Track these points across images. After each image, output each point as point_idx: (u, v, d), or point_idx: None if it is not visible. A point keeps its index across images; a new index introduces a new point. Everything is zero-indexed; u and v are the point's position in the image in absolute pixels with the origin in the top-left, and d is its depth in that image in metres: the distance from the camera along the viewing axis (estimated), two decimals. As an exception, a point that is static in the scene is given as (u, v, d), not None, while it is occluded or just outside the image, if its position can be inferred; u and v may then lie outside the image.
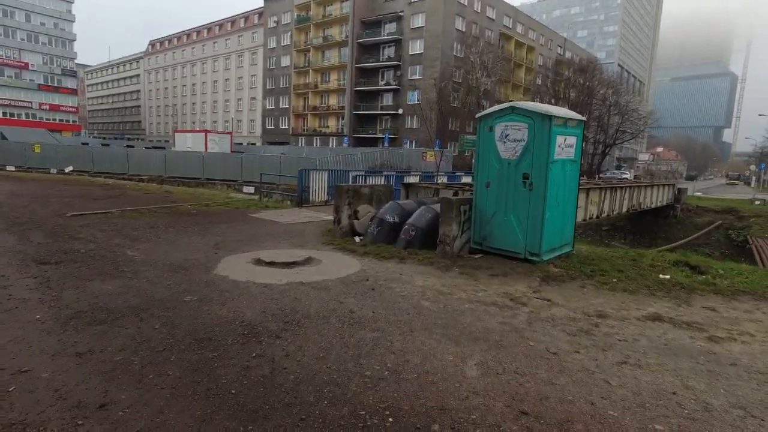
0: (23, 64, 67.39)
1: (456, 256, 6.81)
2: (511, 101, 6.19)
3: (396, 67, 52.31)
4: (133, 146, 42.77)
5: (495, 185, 6.78)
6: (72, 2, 72.65)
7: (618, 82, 67.99)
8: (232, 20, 69.68)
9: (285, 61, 60.68)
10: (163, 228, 8.34)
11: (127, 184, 17.06)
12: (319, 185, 12.87)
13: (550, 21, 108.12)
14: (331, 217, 8.94)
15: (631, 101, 62.98)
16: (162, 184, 27.02)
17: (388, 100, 53.64)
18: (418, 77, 50.57)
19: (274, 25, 61.66)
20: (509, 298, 4.99)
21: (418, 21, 50.02)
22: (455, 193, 9.33)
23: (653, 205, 19.72)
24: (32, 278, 4.78)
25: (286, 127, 61.20)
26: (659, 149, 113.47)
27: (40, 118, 68.06)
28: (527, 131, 6.34)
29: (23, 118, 66.49)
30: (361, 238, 8.17)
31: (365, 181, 13.40)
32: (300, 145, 55.31)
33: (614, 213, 15.24)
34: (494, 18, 55.81)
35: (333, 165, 24.54)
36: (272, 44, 62.17)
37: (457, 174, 20.00)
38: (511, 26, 59.76)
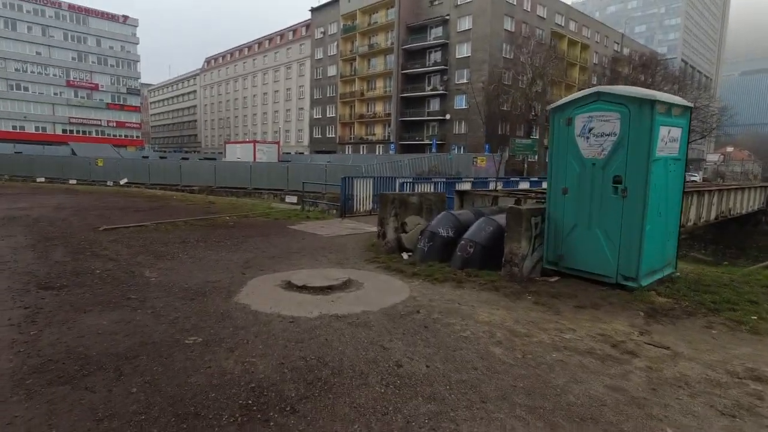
0: (94, 86, 72.48)
1: (526, 279, 5.54)
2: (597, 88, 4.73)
3: (443, 72, 51.09)
4: (187, 158, 44.29)
5: (575, 192, 5.46)
6: (137, 26, 77.52)
7: (683, 78, 62.91)
8: (281, 34, 71.42)
9: (331, 71, 61.14)
10: (194, 243, 7.66)
11: (174, 195, 17.03)
12: (363, 194, 11.93)
13: (605, 17, 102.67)
14: (376, 230, 7.91)
15: (700, 97, 57.88)
16: (209, 194, 27.37)
17: (434, 105, 52.47)
18: (465, 81, 49.02)
19: (321, 36, 62.41)
20: (610, 344, 3.69)
21: (465, 24, 48.65)
22: (517, 202, 8.03)
23: (744, 211, 17.18)
24: (23, 308, 4.08)
25: (333, 135, 61.49)
26: (729, 149, 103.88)
27: (108, 135, 72.75)
28: (619, 123, 4.99)
29: (93, 135, 71.32)
30: (410, 254, 7.07)
31: (413, 189, 12.31)
32: (347, 153, 55.23)
33: (701, 221, 13.16)
34: (545, 17, 53.35)
35: (379, 172, 23.68)
36: (319, 55, 62.92)
37: (512, 180, 18.48)
38: (563, 24, 56.94)
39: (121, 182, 22.87)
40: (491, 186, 14.60)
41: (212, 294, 4.81)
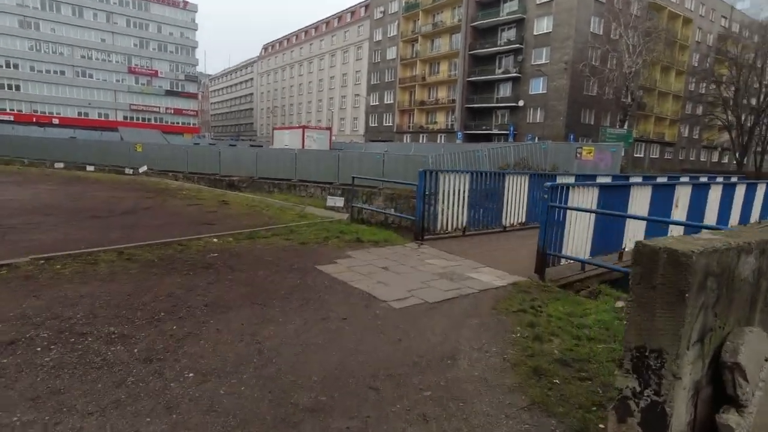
0: (153, 72, 72.63)
1: None
2: None
3: (516, 52, 44.86)
4: (235, 145, 41.48)
5: None
6: (196, 12, 76.87)
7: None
8: (339, 16, 67.63)
9: (391, 54, 56.42)
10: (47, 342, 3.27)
11: (185, 189, 13.14)
12: (453, 199, 7.16)
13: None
14: (502, 281, 3.12)
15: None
16: (248, 186, 23.70)
17: (506, 90, 46.41)
18: (544, 61, 42.59)
19: (380, 15, 57.78)
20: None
21: (547, -6, 42.10)
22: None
23: None
24: None
25: (391, 124, 56.92)
26: None
27: (166, 122, 72.83)
28: None
29: (152, 122, 71.62)
30: None
31: (568, 196, 7.28)
32: (405, 142, 50.49)
33: None
34: (644, -17, 45.33)
35: (450, 165, 18.84)
36: (378, 36, 58.39)
37: (627, 176, 12.71)
38: (662, -6, 48.55)
39: (140, 170, 19.70)
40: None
41: None
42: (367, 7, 61.19)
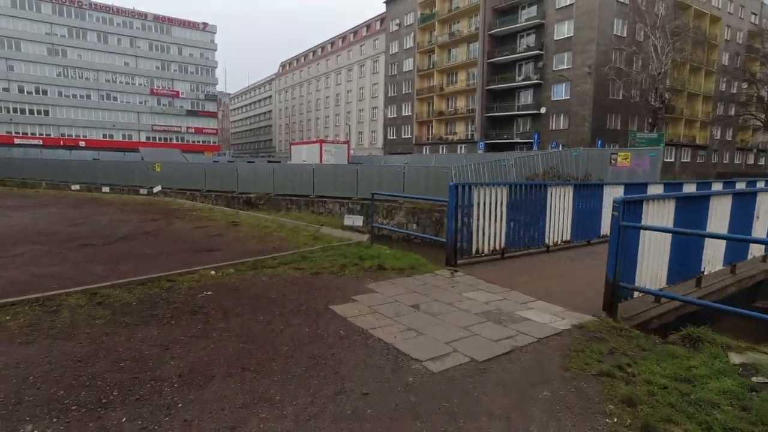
0: (175, 93, 73.98)
1: None
2: None
3: (537, 58, 43.71)
4: (253, 161, 41.28)
5: None
6: (215, 33, 78.34)
7: None
8: (355, 30, 67.77)
9: (407, 65, 55.93)
10: None
11: (195, 210, 12.37)
12: (491, 217, 6.10)
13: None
14: (565, 317, 2.15)
15: None
16: (265, 203, 23.05)
17: (526, 98, 45.15)
18: (566, 67, 41.29)
19: (396, 28, 57.51)
20: None
21: (567, -2, 41.02)
22: None
23: None
24: None
25: (409, 136, 56.15)
26: None
27: (187, 141, 73.84)
28: None
29: (174, 141, 72.69)
30: None
31: (644, 213, 6.18)
32: (424, 154, 49.54)
33: None
34: (669, -17, 43.72)
35: (475, 177, 17.80)
36: (394, 49, 58.07)
37: (681, 184, 11.35)
38: (688, -8, 46.83)
39: (155, 190, 19.24)
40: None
41: None
42: (382, 20, 61.09)
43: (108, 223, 9.29)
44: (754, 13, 56.78)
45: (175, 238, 7.79)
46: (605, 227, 7.42)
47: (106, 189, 20.00)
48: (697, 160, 51.36)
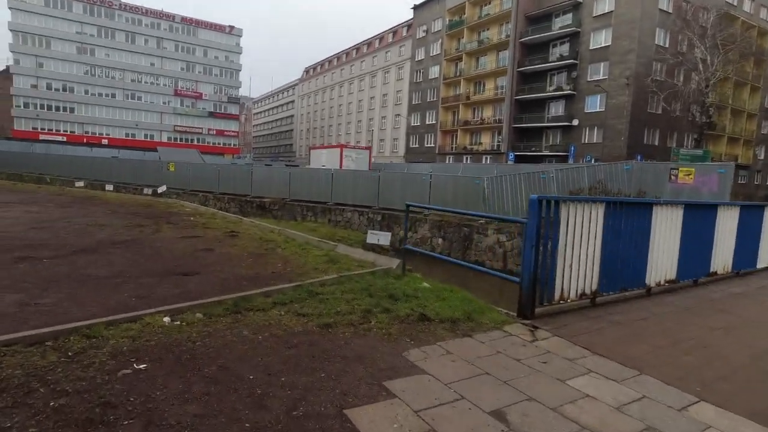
0: (198, 95, 74.03)
1: None
2: None
3: (570, 68, 41.62)
4: (271, 165, 40.07)
5: None
6: (241, 36, 78.40)
7: None
8: (381, 36, 66.72)
9: (433, 73, 54.35)
10: None
11: (194, 214, 10.82)
12: (582, 246, 4.14)
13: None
14: None
15: None
16: (279, 209, 21.55)
17: (557, 109, 43.01)
18: (601, 77, 39.09)
19: (423, 34, 56.12)
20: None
21: (605, 5, 38.90)
22: None
23: None
24: None
25: (432, 145, 54.38)
26: None
27: (208, 143, 73.60)
28: None
29: (195, 142, 72.52)
30: None
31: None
32: (448, 163, 47.65)
33: None
34: (715, -7, 41.29)
35: (509, 190, 15.95)
36: (420, 56, 56.63)
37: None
38: (735, 4, 44.26)
39: (159, 190, 17.93)
40: None
41: None
42: (409, 27, 59.84)
43: (80, 228, 7.79)
44: (803, 28, 53.53)
45: (150, 252, 6.19)
46: (718, 263, 5.48)
47: (109, 187, 18.81)
48: (739, 181, 48.20)
